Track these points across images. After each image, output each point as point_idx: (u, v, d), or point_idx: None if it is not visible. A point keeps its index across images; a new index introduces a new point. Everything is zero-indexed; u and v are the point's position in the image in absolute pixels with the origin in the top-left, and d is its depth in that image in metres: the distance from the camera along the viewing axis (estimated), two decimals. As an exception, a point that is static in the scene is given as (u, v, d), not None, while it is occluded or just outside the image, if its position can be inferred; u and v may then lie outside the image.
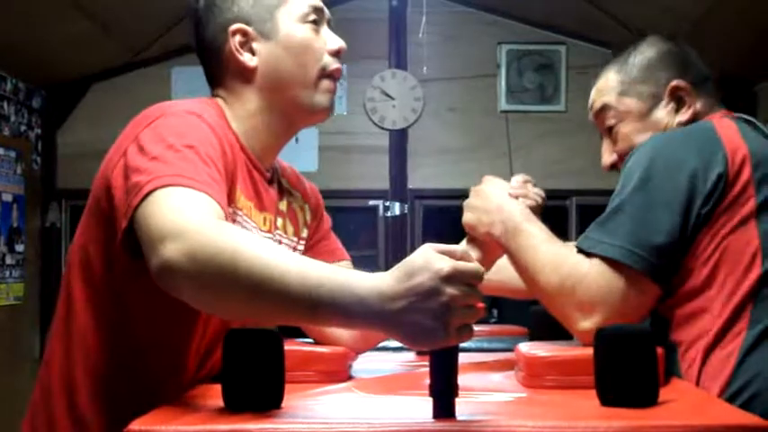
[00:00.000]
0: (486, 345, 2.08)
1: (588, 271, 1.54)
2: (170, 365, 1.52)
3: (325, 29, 1.65)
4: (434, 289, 1.08)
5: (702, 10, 4.36)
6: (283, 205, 1.68)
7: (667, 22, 4.84)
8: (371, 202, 5.61)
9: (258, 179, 1.59)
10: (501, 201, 1.68)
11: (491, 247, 1.69)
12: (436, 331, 1.09)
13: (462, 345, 1.15)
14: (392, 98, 5.27)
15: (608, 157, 1.85)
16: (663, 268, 1.54)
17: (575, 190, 5.43)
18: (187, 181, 1.30)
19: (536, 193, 1.74)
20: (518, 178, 1.74)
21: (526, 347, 1.51)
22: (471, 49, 5.63)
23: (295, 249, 1.68)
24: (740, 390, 1.49)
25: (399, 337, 1.12)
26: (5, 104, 4.98)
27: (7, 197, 4.92)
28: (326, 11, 1.67)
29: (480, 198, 1.70)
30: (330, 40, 1.64)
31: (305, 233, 1.73)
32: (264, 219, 1.59)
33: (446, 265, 1.09)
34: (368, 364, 1.69)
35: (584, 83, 5.50)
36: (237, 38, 1.59)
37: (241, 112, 1.58)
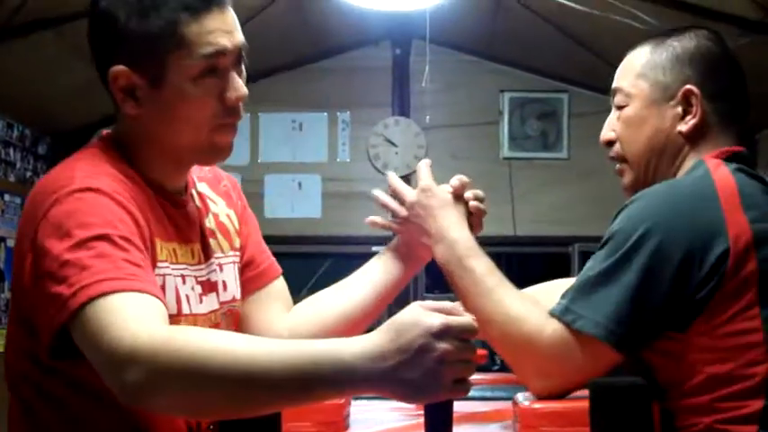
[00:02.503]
0: (488, 393, 2.08)
1: (551, 337, 1.47)
2: None
3: (226, 75, 1.41)
4: (425, 346, 1.08)
5: (703, 59, 4.39)
6: (211, 222, 1.57)
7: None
8: (374, 248, 5.59)
9: (173, 211, 1.48)
10: (442, 222, 1.64)
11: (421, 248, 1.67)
12: (429, 387, 1.09)
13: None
14: (395, 145, 5.31)
15: (606, 131, 1.71)
16: (636, 342, 1.46)
17: (577, 236, 5.43)
18: (112, 284, 1.20)
19: (475, 196, 1.72)
20: (455, 183, 1.71)
21: (523, 397, 1.51)
22: (474, 96, 5.67)
23: (234, 264, 1.59)
24: None
25: (393, 394, 1.11)
26: (11, 151, 5.02)
27: (12, 243, 4.94)
28: (231, 48, 1.40)
29: (420, 216, 1.67)
30: (228, 89, 1.41)
31: (237, 242, 1.62)
32: (192, 251, 1.50)
33: (437, 321, 1.09)
34: (366, 414, 1.69)
35: (586, 130, 5.59)
36: (120, 81, 1.38)
37: (134, 151, 1.45)
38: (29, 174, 5.21)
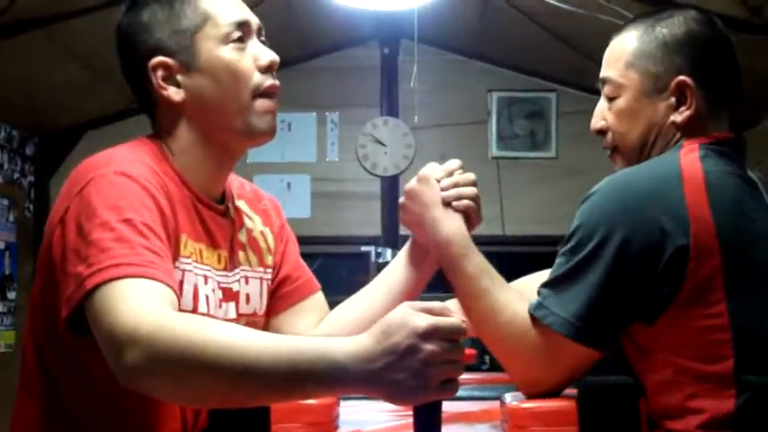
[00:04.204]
0: (477, 393, 2.08)
1: (535, 337, 1.48)
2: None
3: (253, 43, 1.51)
4: (412, 347, 1.08)
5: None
6: (243, 235, 1.59)
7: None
8: (363, 248, 5.62)
9: (207, 215, 1.51)
10: (435, 217, 1.59)
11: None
12: (416, 389, 1.09)
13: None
14: (384, 145, 5.30)
15: (597, 120, 1.68)
16: (607, 338, 1.46)
17: (566, 235, 5.43)
18: (128, 269, 1.24)
19: (466, 182, 1.63)
20: (441, 176, 1.62)
21: (511, 397, 1.52)
22: (462, 96, 5.68)
23: (262, 280, 1.61)
24: None
25: (381, 395, 1.12)
26: (-1, 152, 5.01)
27: (0, 245, 4.93)
28: (253, 21, 1.52)
29: (416, 204, 1.62)
30: (259, 54, 1.51)
31: (270, 260, 1.64)
32: (219, 257, 1.52)
33: (423, 322, 1.09)
34: (355, 415, 1.70)
35: (574, 129, 5.60)
36: (160, 72, 1.47)
37: (177, 148, 1.50)
38: (16, 175, 5.20)
